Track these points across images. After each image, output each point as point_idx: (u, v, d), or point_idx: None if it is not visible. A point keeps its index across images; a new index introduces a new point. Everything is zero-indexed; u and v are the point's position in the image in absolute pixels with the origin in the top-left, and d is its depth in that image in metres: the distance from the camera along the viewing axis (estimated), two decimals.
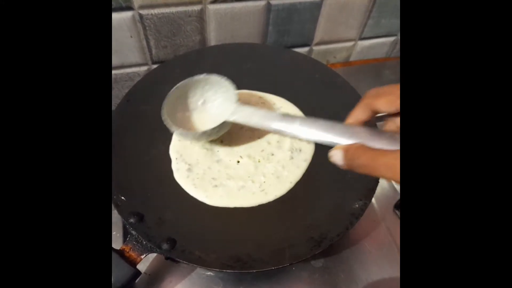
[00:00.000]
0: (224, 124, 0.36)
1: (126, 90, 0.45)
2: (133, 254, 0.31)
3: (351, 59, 0.66)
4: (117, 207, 0.34)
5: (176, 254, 0.31)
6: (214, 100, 0.41)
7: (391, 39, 0.65)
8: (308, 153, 0.41)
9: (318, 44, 0.60)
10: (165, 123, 0.37)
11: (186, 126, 0.40)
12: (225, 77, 0.39)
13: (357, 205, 0.36)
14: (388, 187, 0.47)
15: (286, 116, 0.32)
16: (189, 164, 0.39)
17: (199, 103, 0.42)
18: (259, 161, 0.40)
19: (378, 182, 0.37)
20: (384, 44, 0.66)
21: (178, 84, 0.39)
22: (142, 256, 0.31)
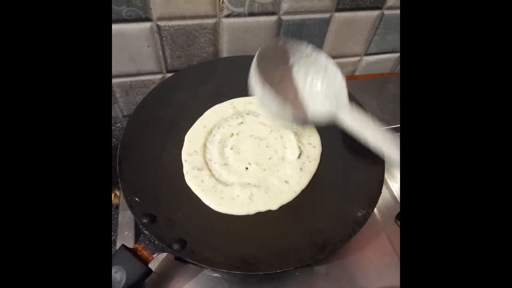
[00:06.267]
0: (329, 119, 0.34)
1: (141, 96, 0.47)
2: (145, 253, 0.33)
3: (357, 73, 0.68)
4: (130, 207, 0.36)
5: (185, 254, 0.33)
6: (315, 83, 0.37)
7: (396, 55, 0.67)
8: (314, 162, 0.43)
9: None
10: (254, 84, 0.33)
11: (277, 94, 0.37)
12: (333, 61, 0.35)
13: (359, 214, 0.37)
14: (390, 198, 0.48)
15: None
16: (199, 169, 0.41)
17: (298, 76, 0.37)
18: (266, 169, 0.42)
19: (380, 192, 0.38)
20: (389, 59, 0.68)
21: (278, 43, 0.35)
22: (154, 255, 0.33)
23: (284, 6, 0.51)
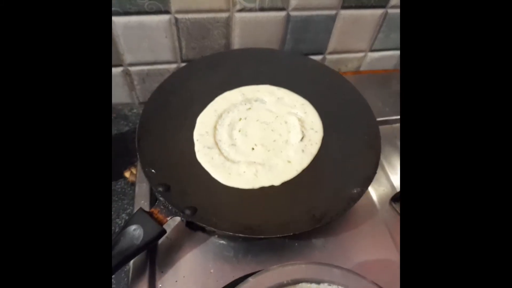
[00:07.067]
0: None
1: (156, 85, 0.51)
2: (160, 216, 0.37)
3: (361, 68, 0.72)
4: (148, 177, 0.40)
5: (196, 219, 0.37)
6: None
7: (399, 52, 0.70)
8: (315, 145, 0.46)
9: (331, 53, 0.66)
10: None
11: None
12: None
13: (355, 191, 0.40)
14: (387, 183, 0.51)
15: None
16: (209, 148, 0.45)
17: None
18: (271, 150, 0.45)
19: (375, 173, 0.42)
20: (393, 56, 0.71)
21: None
22: (168, 218, 0.37)
23: (293, 2, 0.54)
